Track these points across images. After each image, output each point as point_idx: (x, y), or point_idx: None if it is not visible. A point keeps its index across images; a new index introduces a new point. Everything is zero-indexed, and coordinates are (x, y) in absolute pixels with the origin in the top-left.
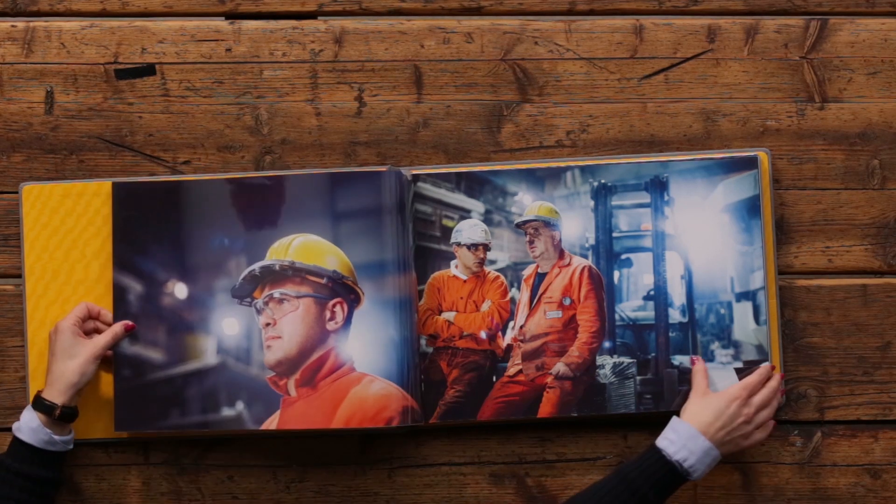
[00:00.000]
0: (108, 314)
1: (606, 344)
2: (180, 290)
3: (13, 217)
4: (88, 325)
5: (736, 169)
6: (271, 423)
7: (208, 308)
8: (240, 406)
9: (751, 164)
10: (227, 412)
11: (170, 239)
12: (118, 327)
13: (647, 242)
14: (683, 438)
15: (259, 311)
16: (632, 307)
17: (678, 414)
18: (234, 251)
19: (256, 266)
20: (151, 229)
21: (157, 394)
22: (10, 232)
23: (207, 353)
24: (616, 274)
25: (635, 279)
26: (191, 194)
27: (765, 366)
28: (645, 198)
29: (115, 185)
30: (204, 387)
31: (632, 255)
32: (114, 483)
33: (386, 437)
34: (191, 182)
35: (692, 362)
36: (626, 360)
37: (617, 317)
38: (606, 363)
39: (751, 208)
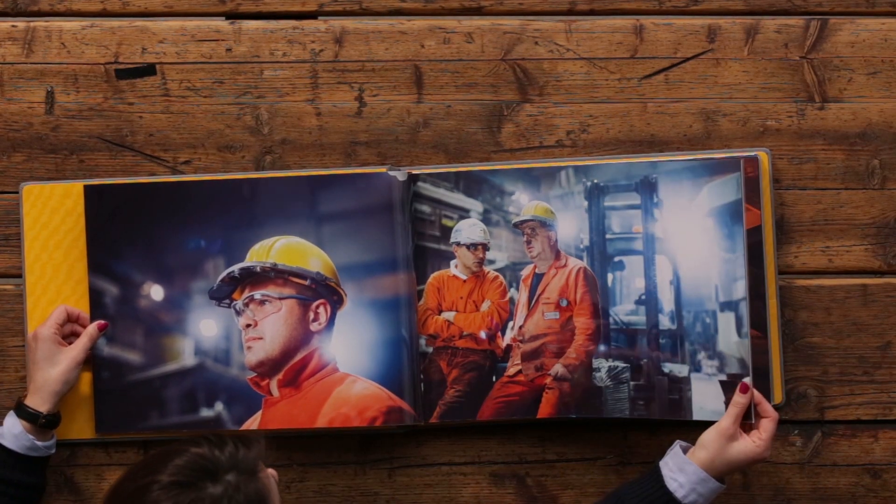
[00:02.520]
0: (86, 317)
1: (602, 347)
2: (156, 291)
3: (13, 217)
4: (66, 328)
5: (720, 171)
6: (252, 424)
7: (185, 310)
8: (219, 407)
9: (734, 166)
10: (206, 413)
11: (144, 241)
12: (92, 329)
13: (639, 245)
14: (693, 482)
15: (238, 313)
16: (625, 311)
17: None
18: (212, 253)
19: (236, 268)
20: (125, 231)
21: (136, 395)
22: (11, 232)
23: (185, 354)
24: (609, 276)
25: (628, 282)
26: (164, 196)
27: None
28: (636, 199)
29: (86, 187)
30: (182, 388)
31: (624, 258)
32: (114, 483)
33: (386, 437)
34: (164, 184)
35: (741, 389)
36: (620, 364)
37: (611, 320)
38: (602, 366)
39: (733, 213)
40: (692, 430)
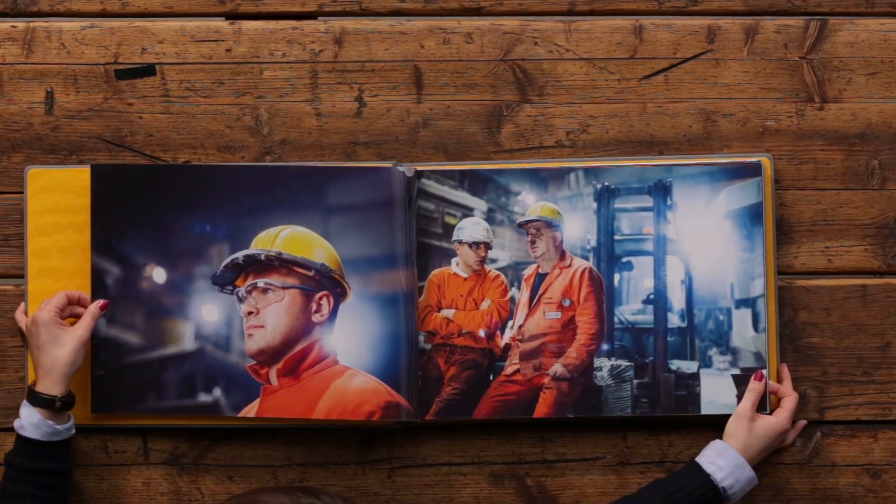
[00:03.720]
0: (87, 298)
1: (604, 346)
2: (159, 274)
3: (14, 217)
4: (66, 312)
5: (740, 175)
6: (250, 411)
7: (187, 294)
8: (217, 392)
9: (755, 171)
10: (203, 398)
11: (149, 223)
12: (94, 307)
13: (649, 246)
14: (731, 466)
15: (241, 300)
16: (631, 310)
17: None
18: (216, 238)
19: (240, 254)
20: (130, 213)
21: (133, 377)
22: (11, 232)
23: (185, 338)
24: (616, 277)
25: (635, 283)
26: (171, 179)
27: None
28: (648, 201)
29: (93, 167)
30: (181, 372)
31: (633, 259)
32: (114, 483)
33: (385, 436)
34: (171, 167)
35: (756, 377)
36: (623, 363)
37: (616, 320)
38: (604, 365)
39: (753, 215)
40: (693, 430)
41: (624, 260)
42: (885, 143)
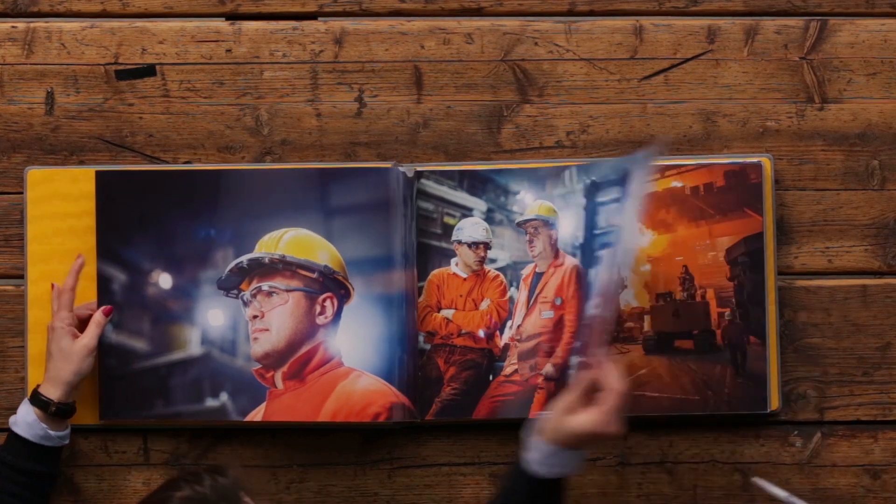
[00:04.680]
0: (94, 304)
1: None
2: (165, 280)
3: (14, 218)
4: (75, 317)
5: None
6: (256, 415)
7: (193, 299)
8: (224, 397)
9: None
10: (210, 403)
11: (154, 229)
12: (99, 316)
13: (615, 238)
14: (543, 455)
15: (246, 304)
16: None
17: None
18: (221, 242)
19: (245, 258)
20: (136, 219)
21: (141, 383)
22: (11, 232)
23: (192, 343)
24: (592, 272)
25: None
26: (176, 184)
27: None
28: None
29: (98, 173)
30: (188, 377)
31: (602, 253)
32: (114, 483)
33: (386, 437)
34: (176, 172)
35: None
36: None
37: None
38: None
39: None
40: (693, 430)
41: (596, 254)
42: (885, 144)
